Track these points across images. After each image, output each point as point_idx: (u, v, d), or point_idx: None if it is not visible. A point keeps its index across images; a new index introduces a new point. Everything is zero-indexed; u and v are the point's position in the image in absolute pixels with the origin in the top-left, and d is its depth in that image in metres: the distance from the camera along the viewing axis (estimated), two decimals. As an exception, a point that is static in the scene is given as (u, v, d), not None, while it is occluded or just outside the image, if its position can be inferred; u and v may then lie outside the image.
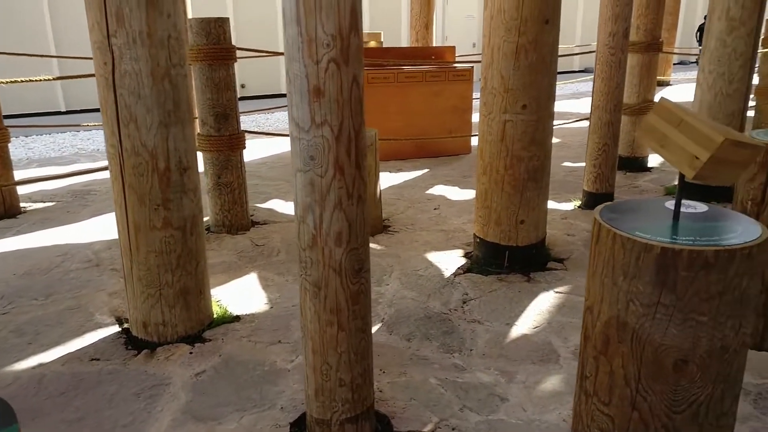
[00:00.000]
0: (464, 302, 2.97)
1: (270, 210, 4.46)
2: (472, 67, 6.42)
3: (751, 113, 7.24)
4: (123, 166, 2.24)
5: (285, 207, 4.54)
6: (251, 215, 4.27)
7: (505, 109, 3.09)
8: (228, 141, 3.74)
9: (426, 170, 5.80)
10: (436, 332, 2.67)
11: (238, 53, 3.84)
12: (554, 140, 7.27)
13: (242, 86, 12.47)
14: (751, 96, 6.10)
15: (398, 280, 3.21)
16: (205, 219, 4.08)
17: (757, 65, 7.12)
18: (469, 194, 4.86)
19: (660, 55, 5.55)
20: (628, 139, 5.50)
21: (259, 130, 7.34)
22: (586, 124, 5.70)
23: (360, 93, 1.66)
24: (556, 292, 3.05)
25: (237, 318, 2.76)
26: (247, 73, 12.28)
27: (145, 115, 2.19)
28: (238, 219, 3.91)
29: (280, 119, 10.01)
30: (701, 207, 1.61)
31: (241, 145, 3.83)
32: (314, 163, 1.65)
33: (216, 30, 3.55)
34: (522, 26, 2.95)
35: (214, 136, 3.72)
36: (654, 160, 5.87)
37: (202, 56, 3.55)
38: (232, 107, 3.74)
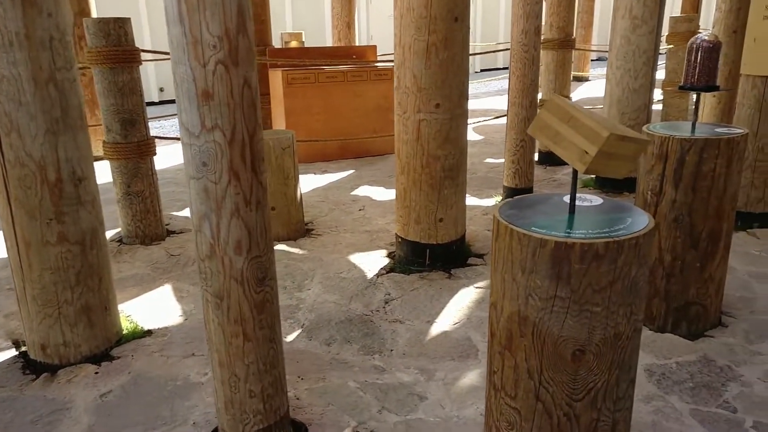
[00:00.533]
0: (386, 302, 2.95)
1: (187, 218, 4.30)
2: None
3: (659, 107, 7.63)
4: (6, 178, 2.09)
5: (204, 214, 4.39)
6: (167, 224, 4.11)
7: (419, 108, 3.10)
8: (136, 148, 3.58)
9: (351, 171, 5.77)
10: (356, 335, 2.64)
11: (155, 56, 3.68)
12: (477, 137, 7.42)
13: (161, 90, 12.05)
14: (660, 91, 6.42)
15: (320, 284, 3.16)
16: (116, 230, 3.90)
17: (663, 62, 7.51)
18: (394, 194, 4.86)
19: (578, 52, 5.74)
20: (546, 134, 5.65)
21: (172, 136, 7.10)
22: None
23: (253, 95, 1.60)
24: (476, 288, 3.09)
25: (148, 332, 2.64)
26: (166, 77, 11.88)
27: (28, 123, 2.04)
28: (151, 229, 3.75)
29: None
30: (597, 200, 1.65)
31: (151, 152, 3.68)
32: (207, 169, 1.59)
33: (116, 31, 3.38)
34: (432, 24, 2.96)
35: (120, 143, 3.55)
36: (571, 153, 6.06)
37: (102, 59, 3.38)
38: (139, 112, 3.58)
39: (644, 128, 2.57)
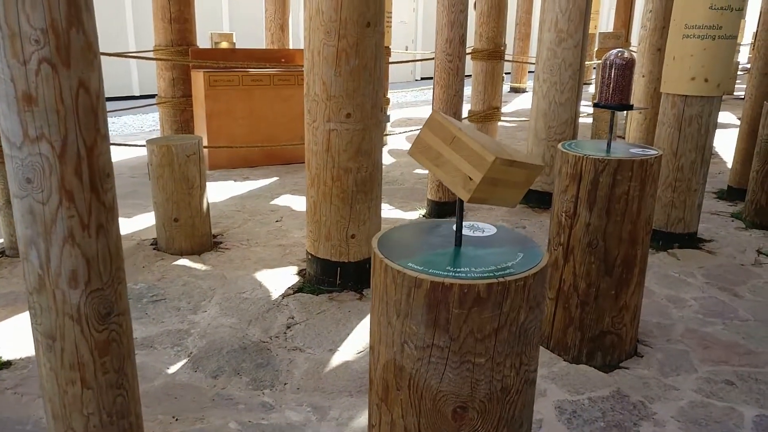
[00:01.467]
0: (288, 327, 2.72)
1: (86, 227, 3.94)
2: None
3: (590, 120, 7.73)
4: None
5: (105, 223, 4.04)
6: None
7: (329, 117, 2.89)
8: (20, 151, 3.21)
9: (275, 179, 5.50)
10: (249, 365, 2.40)
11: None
12: (407, 147, 7.26)
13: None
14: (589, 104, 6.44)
15: (218, 306, 2.90)
16: (-2, 241, 3.51)
17: (593, 77, 7.58)
18: (315, 204, 4.63)
19: (516, 63, 5.67)
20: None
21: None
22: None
23: (93, 101, 1.35)
24: (387, 311, 2.89)
25: (7, 364, 2.31)
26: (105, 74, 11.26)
27: None
28: (38, 240, 3.38)
29: (127, 123, 9.23)
30: (490, 229, 1.48)
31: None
32: (32, 186, 1.32)
33: None
34: (342, 29, 2.76)
35: (1, 145, 3.18)
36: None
37: None
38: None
39: (559, 146, 2.45)
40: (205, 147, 5.66)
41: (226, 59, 5.90)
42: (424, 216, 4.41)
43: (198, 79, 5.68)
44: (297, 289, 3.12)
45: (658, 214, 3.80)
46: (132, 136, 7.96)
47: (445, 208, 4.36)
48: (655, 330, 2.75)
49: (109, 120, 9.47)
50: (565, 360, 2.49)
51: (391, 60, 6.97)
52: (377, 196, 3.12)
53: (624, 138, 6.51)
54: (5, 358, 2.35)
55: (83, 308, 1.41)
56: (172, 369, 2.35)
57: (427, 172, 5.69)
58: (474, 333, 1.20)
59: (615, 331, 2.43)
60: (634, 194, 2.27)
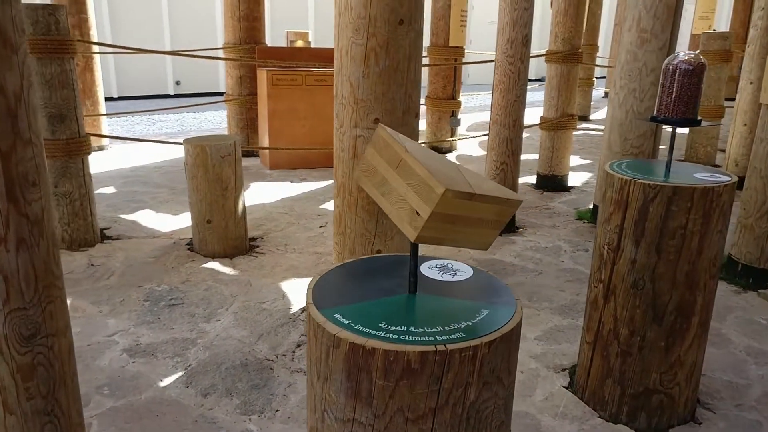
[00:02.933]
0: (299, 346, 2.53)
1: (133, 222, 3.96)
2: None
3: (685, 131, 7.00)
4: None
5: (152, 219, 4.05)
6: (108, 228, 3.77)
7: (356, 122, 2.66)
8: (65, 146, 3.24)
9: (331, 182, 5.36)
10: (243, 386, 2.22)
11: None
12: (479, 152, 6.90)
13: (177, 83, 11.88)
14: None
15: (233, 315, 2.76)
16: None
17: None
18: (365, 211, 4.43)
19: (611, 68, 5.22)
20: (546, 156, 5.15)
21: (130, 136, 6.85)
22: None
23: (8, 103, 1.19)
24: (409, 336, 2.63)
25: (1, 365, 2.27)
26: (183, 70, 11.70)
27: None
28: (80, 233, 3.41)
29: (207, 119, 9.47)
30: (464, 272, 1.20)
31: (83, 151, 3.34)
32: (-59, 194, 1.19)
33: (45, 19, 3.06)
34: (371, 27, 2.53)
35: (48, 139, 3.22)
36: (575, 178, 5.54)
37: (29, 48, 3.05)
38: (71, 107, 3.25)
39: (606, 165, 2.09)
40: (263, 148, 5.64)
41: (293, 58, 5.83)
42: (478, 230, 4.09)
43: (262, 77, 5.65)
44: (320, 304, 2.92)
45: (749, 247, 3.28)
46: (180, 134, 8.12)
47: (501, 223, 4.02)
48: (724, 390, 2.31)
49: (192, 114, 9.74)
50: (600, 417, 2.13)
51: (464, 61, 6.65)
52: (410, 210, 2.86)
53: (725, 153, 5.86)
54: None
55: (2, 329, 1.27)
56: (165, 382, 2.22)
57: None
58: (404, 411, 0.94)
59: (664, 390, 2.05)
60: (693, 228, 1.88)
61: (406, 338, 0.94)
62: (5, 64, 1.17)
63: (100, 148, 6.39)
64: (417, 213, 0.97)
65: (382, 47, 2.56)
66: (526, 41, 3.74)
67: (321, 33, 12.54)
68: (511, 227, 4.06)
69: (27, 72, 1.22)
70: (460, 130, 7.11)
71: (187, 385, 2.21)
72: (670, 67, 1.93)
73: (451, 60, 6.58)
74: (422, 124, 7.84)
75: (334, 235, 2.94)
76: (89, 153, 3.40)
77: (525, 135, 5.87)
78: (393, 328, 0.97)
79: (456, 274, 1.19)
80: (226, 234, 3.41)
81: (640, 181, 1.90)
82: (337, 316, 0.99)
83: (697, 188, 1.84)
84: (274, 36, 12.14)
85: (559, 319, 2.83)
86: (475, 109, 10.80)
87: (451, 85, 6.75)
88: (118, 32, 11.16)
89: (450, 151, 6.88)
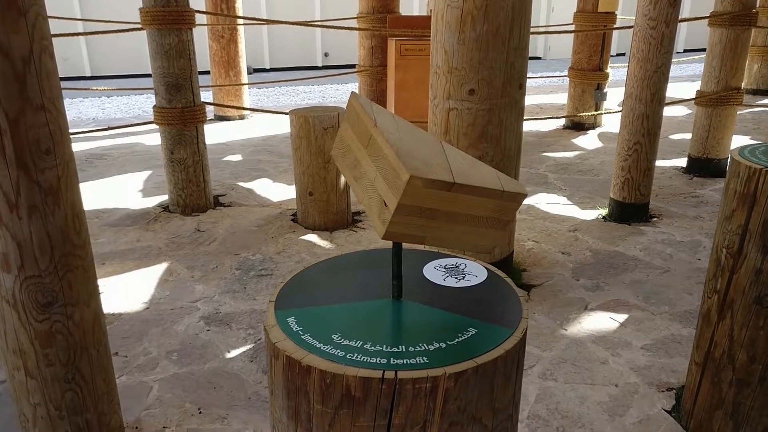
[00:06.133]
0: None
1: (249, 190, 4.09)
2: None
3: None
4: None
5: (268, 188, 4.15)
6: (223, 194, 3.93)
7: (449, 94, 2.44)
8: (180, 114, 3.39)
9: (454, 157, 5.13)
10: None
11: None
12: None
13: (326, 55, 12.20)
14: None
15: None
16: (165, 197, 3.79)
17: None
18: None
19: None
20: (701, 136, 4.47)
21: (261, 108, 7.00)
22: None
23: (14, 66, 1.17)
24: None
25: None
26: (331, 41, 11.98)
27: None
28: (193, 199, 3.57)
29: (349, 91, 9.61)
30: (475, 276, 0.98)
31: (197, 119, 3.47)
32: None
33: (165, -10, 3.18)
34: (469, -14, 2.28)
35: (165, 107, 3.38)
36: (737, 163, 4.76)
37: (149, 19, 3.21)
38: (186, 77, 3.38)
39: (735, 152, 1.68)
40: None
41: (424, 27, 5.63)
42: (604, 218, 3.66)
43: (391, 47, 5.52)
44: (407, 286, 2.78)
45: None
46: (344, 103, 8.23)
47: (629, 210, 3.56)
48: None
49: (335, 85, 9.95)
50: (704, 453, 1.76)
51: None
52: (508, 191, 2.59)
53: None
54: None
55: (18, 295, 1.29)
56: (232, 354, 2.22)
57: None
58: (345, 446, 0.77)
59: (789, 432, 1.63)
60: (842, 235, 1.44)
61: (354, 357, 0.76)
62: (11, 27, 1.14)
63: (241, 117, 6.73)
64: (385, 204, 0.78)
65: (480, 9, 2.30)
66: (675, 0, 3.20)
67: None
68: (642, 215, 3.58)
69: (39, 35, 1.19)
70: (607, 104, 6.45)
71: (252, 359, 2.20)
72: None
73: (599, 27, 5.95)
74: (563, 98, 7.26)
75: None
76: (204, 122, 3.52)
77: (686, 112, 5.16)
78: (345, 342, 0.79)
79: (464, 277, 0.97)
80: (327, 207, 3.38)
81: (772, 171, 1.49)
82: (290, 320, 0.84)
83: None
84: (414, 4, 11.99)
85: (678, 328, 2.42)
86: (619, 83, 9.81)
87: (598, 56, 6.13)
88: (272, 4, 11.67)
89: (594, 128, 6.30)
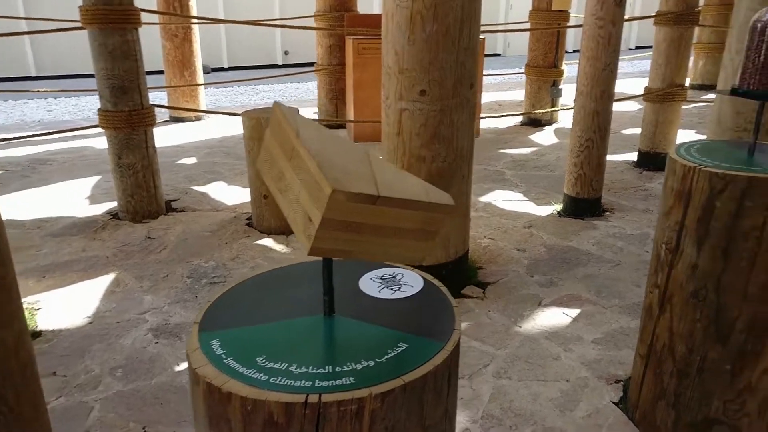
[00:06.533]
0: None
1: (203, 194, 4.02)
2: (484, 38, 5.63)
3: None
4: None
5: (222, 192, 4.08)
6: (176, 199, 3.85)
7: (401, 94, 2.44)
8: (127, 118, 3.30)
9: (412, 155, 5.14)
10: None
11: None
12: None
13: (286, 53, 12.09)
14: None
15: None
16: (114, 204, 3.69)
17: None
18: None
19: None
20: (649, 131, 4.58)
21: (212, 109, 6.92)
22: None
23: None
24: (449, 330, 2.41)
25: (37, 334, 2.34)
26: (291, 39, 11.88)
27: None
28: (144, 205, 3.49)
29: (310, 89, 9.55)
30: (411, 286, 0.97)
31: (146, 123, 3.39)
32: None
33: (107, -11, 3.09)
34: (416, -13, 2.27)
35: (110, 111, 3.29)
36: (686, 156, 4.90)
37: (90, 18, 3.11)
38: (133, 79, 3.29)
39: (672, 150, 1.72)
40: (344, 121, 5.52)
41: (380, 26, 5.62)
42: (558, 213, 3.72)
43: (348, 46, 5.50)
44: (364, 288, 2.77)
45: None
46: (305, 101, 8.17)
47: (582, 205, 3.62)
48: (819, 422, 1.88)
49: (301, 83, 9.87)
50: (650, 444, 1.80)
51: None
52: (461, 192, 2.60)
53: None
54: (39, 328, 2.39)
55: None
56: (181, 366, 2.17)
57: (583, 158, 4.85)
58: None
59: (728, 421, 1.68)
60: (773, 231, 1.49)
61: (278, 381, 0.74)
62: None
63: (197, 118, 6.61)
64: (309, 219, 0.77)
65: (429, 10, 2.30)
66: (620, 0, 3.27)
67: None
68: (595, 210, 3.65)
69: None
70: (563, 100, 6.56)
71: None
72: (759, 25, 1.52)
73: (553, 25, 6.04)
74: (522, 95, 7.35)
75: (379, 216, 2.75)
76: (153, 125, 3.44)
77: (638, 107, 5.28)
78: (269, 365, 0.78)
79: (400, 288, 0.97)
80: (282, 209, 3.34)
81: (706, 168, 1.53)
82: (213, 343, 0.82)
83: (780, 181, 1.45)
84: (374, 2, 11.99)
85: (627, 320, 2.47)
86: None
87: (554, 53, 6.22)
88: (229, 4, 11.50)
89: (550, 124, 6.40)
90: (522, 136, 5.90)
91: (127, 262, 2.95)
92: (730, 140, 1.89)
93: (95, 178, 4.33)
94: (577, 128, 3.53)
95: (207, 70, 11.05)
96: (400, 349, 0.80)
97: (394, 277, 1.00)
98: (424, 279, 0.99)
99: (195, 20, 6.73)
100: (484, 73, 10.03)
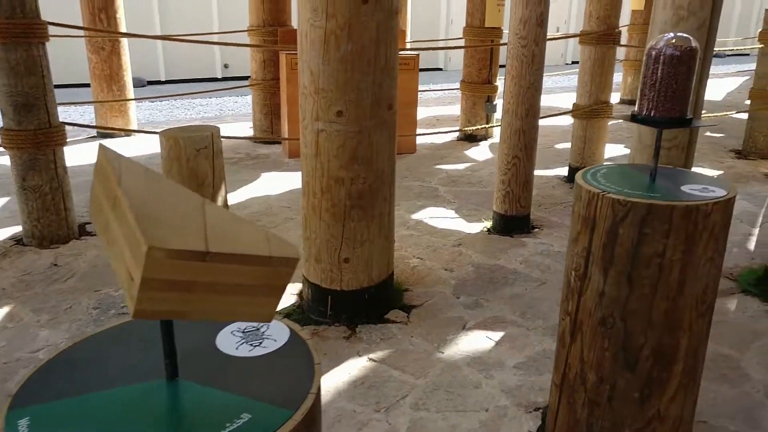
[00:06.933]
0: (245, 365, 2.28)
1: (123, 216, 3.81)
2: (418, 54, 5.64)
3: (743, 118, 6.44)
4: None
5: (144, 213, 3.89)
6: (89, 222, 3.64)
7: (317, 115, 2.36)
8: (32, 137, 3.10)
9: (347, 172, 5.07)
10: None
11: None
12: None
13: (225, 66, 11.87)
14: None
15: (186, 326, 2.53)
16: (18, 228, 3.45)
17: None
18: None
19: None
20: (578, 147, 4.66)
21: (128, 128, 6.71)
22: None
23: None
24: (369, 360, 2.33)
25: None
26: (231, 52, 11.66)
27: None
28: (52, 230, 3.28)
29: (248, 103, 9.36)
30: (271, 342, 0.89)
31: (55, 142, 3.19)
32: None
33: (8, 1, 2.90)
34: (330, 6, 2.21)
35: (14, 130, 3.09)
36: (614, 171, 5.00)
37: (-10, 33, 2.92)
38: (39, 96, 3.10)
39: (579, 175, 1.70)
40: (272, 140, 5.42)
41: (313, 41, 5.54)
42: (489, 230, 3.71)
43: (282, 61, 5.40)
44: (284, 315, 2.66)
45: (790, 260, 2.77)
46: (215, 119, 8.00)
47: (511, 223, 3.62)
48: (732, 444, 1.90)
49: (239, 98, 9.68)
50: (565, 475, 1.77)
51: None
52: (383, 213, 2.54)
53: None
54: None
55: None
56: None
57: (515, 174, 4.89)
58: None
59: (639, 449, 1.66)
60: (673, 258, 1.48)
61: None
62: None
63: (127, 134, 6.36)
64: (131, 277, 0.68)
65: (343, 29, 2.23)
66: (542, 21, 3.30)
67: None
68: (524, 227, 3.66)
69: None
70: (498, 116, 6.63)
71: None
72: (653, 53, 1.52)
73: (486, 42, 6.11)
74: (456, 110, 7.40)
75: (303, 241, 2.67)
76: (63, 144, 3.25)
77: (571, 121, 5.40)
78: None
79: (261, 343, 0.88)
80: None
81: (609, 195, 1.51)
82: (21, 423, 0.71)
83: (677, 207, 1.44)
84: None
85: (550, 343, 2.46)
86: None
87: (488, 69, 6.29)
88: (165, 15, 11.21)
89: (485, 139, 6.45)
90: (458, 151, 5.92)
91: (25, 294, 2.74)
92: (635, 164, 1.90)
93: (2, 200, 4.07)
94: (504, 146, 3.54)
95: (143, 84, 10.72)
96: (242, 420, 0.72)
97: (257, 330, 0.91)
98: (291, 331, 0.91)
99: (121, 35, 6.50)
100: (425, 88, 10.09)
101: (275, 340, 0.88)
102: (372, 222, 2.50)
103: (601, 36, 4.27)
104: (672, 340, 1.56)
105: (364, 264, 2.55)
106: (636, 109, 1.60)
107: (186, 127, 3.24)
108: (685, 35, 1.52)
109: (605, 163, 1.85)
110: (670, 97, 1.52)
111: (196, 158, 3.06)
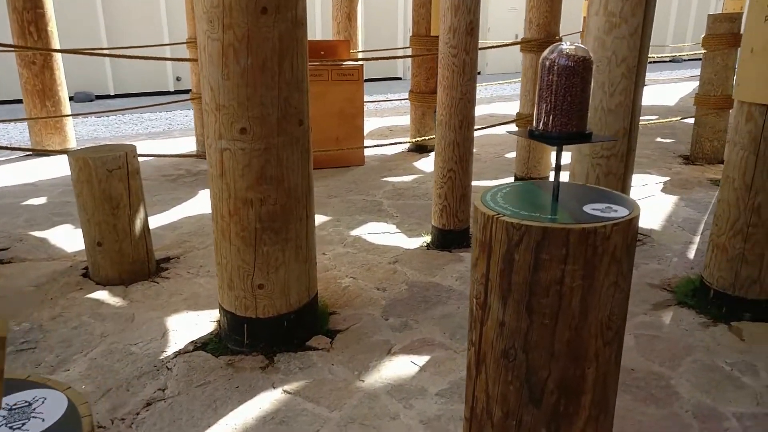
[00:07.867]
0: (148, 404, 2.11)
1: (42, 240, 3.61)
2: (362, 65, 5.53)
3: (690, 122, 6.46)
4: None
5: (67, 236, 3.69)
6: (6, 248, 3.43)
7: (220, 133, 2.22)
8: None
9: (290, 187, 4.92)
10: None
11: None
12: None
13: (178, 79, 11.62)
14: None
15: (89, 363, 2.35)
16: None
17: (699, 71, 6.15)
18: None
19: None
20: (523, 157, 4.60)
21: (31, 147, 6.50)
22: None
23: None
24: (284, 392, 2.18)
25: None
26: (184, 65, 11.42)
27: None
28: (-41, 259, 3.06)
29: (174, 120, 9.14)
30: (41, 420, 0.74)
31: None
32: None
33: None
34: (226, 18, 2.07)
35: None
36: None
37: None
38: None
39: (479, 196, 1.58)
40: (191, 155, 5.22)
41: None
42: (428, 245, 3.60)
43: (220, 74, 5.23)
44: (201, 345, 2.50)
45: (722, 271, 2.71)
46: (162, 134, 7.80)
47: (449, 237, 3.52)
48: (654, 472, 1.79)
49: (145, 116, 9.45)
50: None
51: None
52: (300, 236, 2.40)
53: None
54: None
55: None
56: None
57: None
58: None
59: (551, 489, 1.54)
60: (572, 284, 1.37)
61: None
62: None
63: (64, 152, 6.10)
64: None
65: (242, 42, 2.09)
66: (471, 29, 3.21)
67: (323, 20, 12.06)
68: (462, 241, 3.55)
69: None
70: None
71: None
72: (547, 63, 1.41)
73: (433, 50, 6.04)
74: (406, 120, 7.32)
75: (216, 266, 2.51)
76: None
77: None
78: None
79: (28, 421, 0.73)
80: (121, 258, 3.01)
81: (503, 218, 1.40)
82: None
83: (573, 230, 1.33)
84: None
85: (477, 367, 2.33)
86: (484, 101, 10.22)
87: (435, 78, 6.21)
88: (111, 26, 10.92)
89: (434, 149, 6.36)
90: (406, 163, 5.82)
91: None
92: (541, 182, 1.79)
93: None
94: (439, 159, 3.43)
95: (90, 98, 10.42)
96: None
97: (29, 405, 0.76)
98: (69, 404, 0.76)
99: (53, 50, 6.25)
100: (382, 98, 10.01)
101: (43, 420, 0.73)
102: (287, 245, 2.36)
103: (542, 43, 4.22)
104: (577, 371, 1.45)
105: (281, 290, 2.40)
106: (534, 124, 1.49)
107: (99, 146, 3.06)
108: (581, 46, 1.42)
109: (512, 182, 1.74)
110: (566, 111, 1.41)
111: (108, 180, 2.90)
